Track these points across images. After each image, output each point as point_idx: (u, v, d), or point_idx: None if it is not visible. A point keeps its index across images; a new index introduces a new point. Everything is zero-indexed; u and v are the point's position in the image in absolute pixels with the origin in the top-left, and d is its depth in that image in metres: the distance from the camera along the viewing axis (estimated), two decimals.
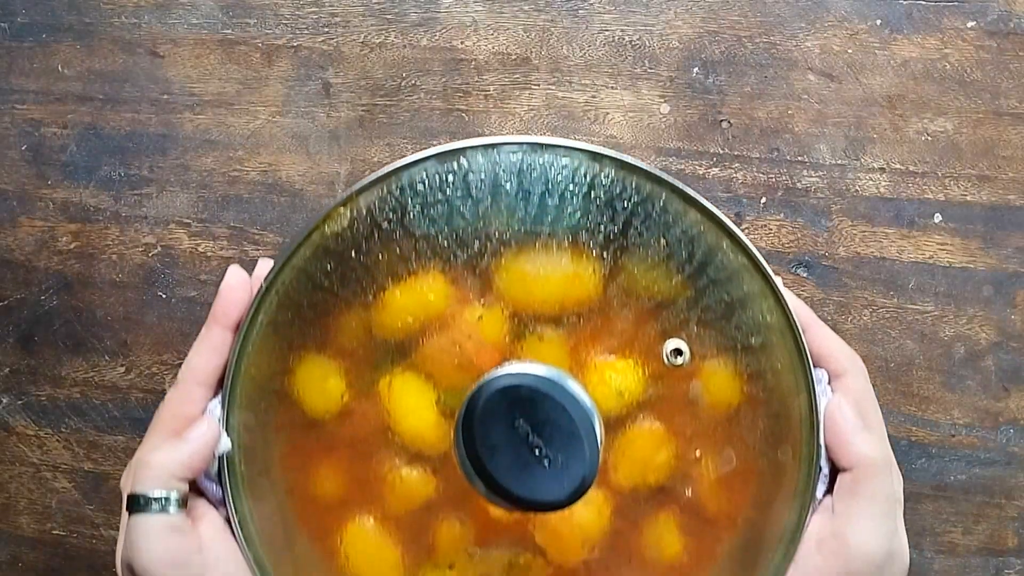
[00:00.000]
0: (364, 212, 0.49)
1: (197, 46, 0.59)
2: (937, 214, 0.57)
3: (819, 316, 0.55)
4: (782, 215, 0.57)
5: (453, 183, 0.50)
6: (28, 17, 0.60)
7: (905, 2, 0.56)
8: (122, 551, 0.41)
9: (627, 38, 0.57)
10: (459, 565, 0.50)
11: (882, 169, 0.57)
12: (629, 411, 0.49)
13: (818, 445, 0.45)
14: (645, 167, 0.47)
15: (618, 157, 0.47)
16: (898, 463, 0.54)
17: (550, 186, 0.50)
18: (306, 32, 0.59)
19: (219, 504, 0.46)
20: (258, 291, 0.47)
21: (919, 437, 0.58)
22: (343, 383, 0.50)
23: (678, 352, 0.49)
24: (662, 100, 0.57)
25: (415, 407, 0.50)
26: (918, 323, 0.57)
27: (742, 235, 0.46)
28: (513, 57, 0.58)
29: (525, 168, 0.50)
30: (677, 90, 0.57)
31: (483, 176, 0.50)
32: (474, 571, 0.50)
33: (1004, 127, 0.56)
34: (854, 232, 0.57)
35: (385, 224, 0.49)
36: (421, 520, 0.50)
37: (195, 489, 0.44)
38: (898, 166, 0.57)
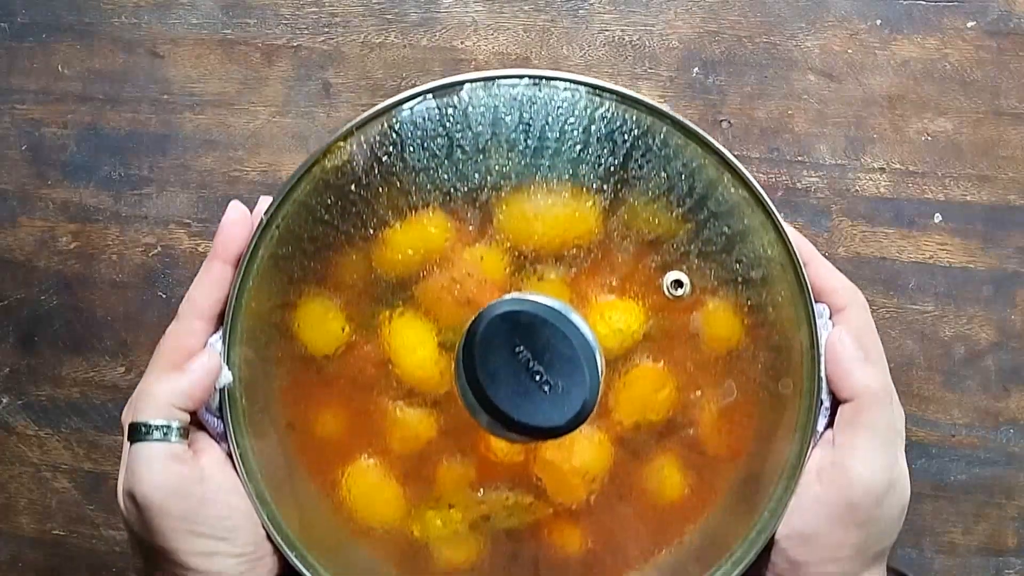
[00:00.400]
0: (364, 146, 0.49)
1: (197, 46, 0.59)
2: (937, 214, 0.57)
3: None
4: (782, 215, 0.55)
5: (452, 117, 0.50)
6: (28, 17, 0.60)
7: (905, 2, 0.56)
8: (123, 481, 0.41)
9: (627, 38, 0.57)
10: (459, 505, 0.50)
11: (882, 169, 0.57)
12: (629, 349, 0.49)
13: (819, 378, 0.46)
14: (646, 100, 0.47)
15: (618, 90, 0.47)
16: None
17: (550, 120, 0.50)
18: (306, 32, 0.59)
19: (220, 439, 0.45)
20: (259, 224, 0.47)
21: (919, 437, 0.58)
22: (344, 319, 0.50)
23: (678, 283, 0.49)
24: (662, 100, 0.57)
25: (416, 344, 0.50)
26: (918, 323, 0.58)
27: (743, 168, 0.46)
28: (513, 57, 0.59)
29: (525, 102, 0.51)
30: (677, 90, 0.57)
31: (483, 111, 0.51)
32: (474, 511, 0.50)
33: (1004, 127, 0.56)
34: (854, 232, 0.57)
35: (385, 159, 0.50)
36: (421, 459, 0.50)
37: (196, 424, 0.44)
38: (898, 166, 0.57)
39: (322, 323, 0.50)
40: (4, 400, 0.62)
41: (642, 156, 0.49)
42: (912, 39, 0.56)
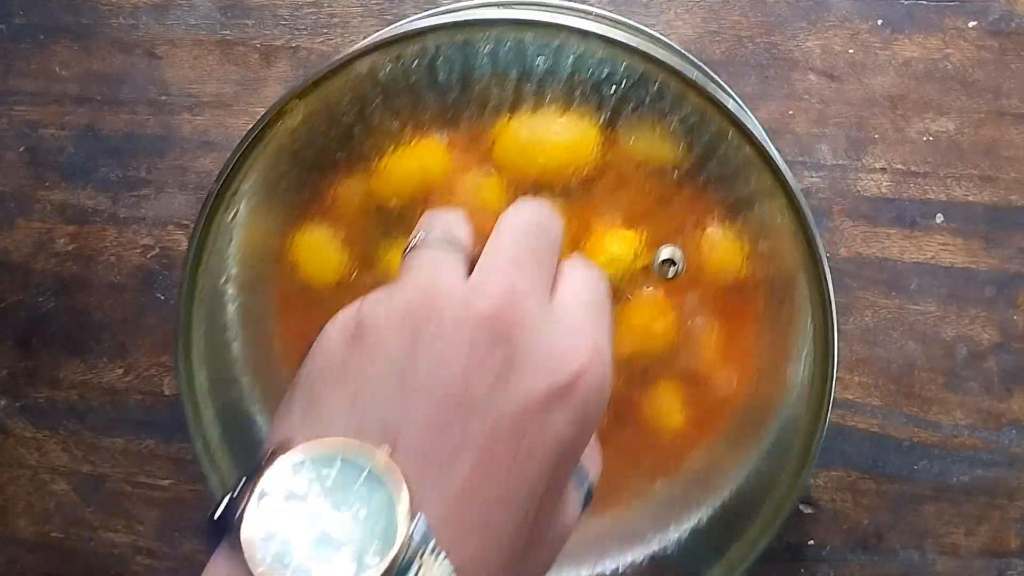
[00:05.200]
0: (364, 73, 0.50)
1: (195, 47, 0.60)
2: (939, 214, 0.58)
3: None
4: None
5: (453, 50, 0.52)
6: (25, 18, 0.61)
7: (906, 2, 0.58)
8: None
9: None
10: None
11: (884, 169, 0.58)
12: (629, 278, 0.51)
13: (829, 302, 0.47)
14: (649, 46, 0.48)
15: (617, 39, 0.48)
16: (900, 464, 0.59)
17: (550, 54, 0.51)
18: (305, 33, 0.60)
19: None
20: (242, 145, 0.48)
21: (921, 438, 0.59)
22: (342, 250, 0.53)
23: (670, 263, 0.50)
24: None
25: None
26: (920, 324, 0.59)
27: (740, 102, 0.48)
28: None
29: (527, 40, 0.51)
30: None
31: (485, 46, 0.51)
32: None
33: (1006, 127, 0.57)
34: (855, 233, 0.58)
35: (384, 88, 0.51)
36: None
37: None
38: (900, 166, 0.58)
39: (322, 254, 0.52)
40: (2, 402, 0.64)
41: (640, 90, 0.50)
42: (913, 39, 0.57)
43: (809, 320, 0.49)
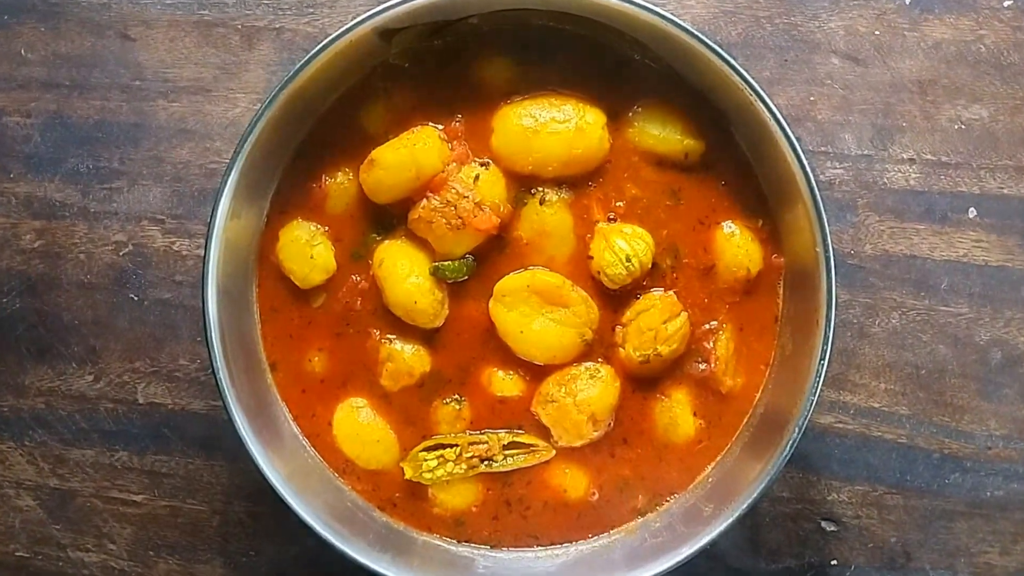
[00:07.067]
0: (353, 55, 0.49)
1: (171, 28, 0.58)
2: (972, 208, 0.56)
3: (844, 319, 0.56)
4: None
5: (449, 32, 0.51)
6: None
7: None
8: None
9: None
10: (454, 445, 0.51)
11: (912, 160, 0.56)
12: (638, 276, 0.50)
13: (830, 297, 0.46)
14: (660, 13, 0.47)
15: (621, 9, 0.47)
16: (930, 478, 0.56)
17: (553, 34, 0.51)
18: (289, 13, 0.58)
19: None
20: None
21: (952, 450, 0.57)
22: (331, 247, 0.51)
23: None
24: None
25: (407, 273, 0.50)
26: (951, 326, 0.56)
27: (757, 86, 0.46)
28: None
29: (530, 20, 0.51)
30: None
31: (484, 25, 0.50)
32: (471, 452, 0.51)
33: None
34: (882, 228, 0.56)
35: (374, 71, 0.51)
36: (414, 396, 0.51)
37: None
38: (929, 156, 0.56)
39: (307, 252, 0.51)
40: None
41: (650, 71, 0.49)
42: (944, 20, 0.55)
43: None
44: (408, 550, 0.51)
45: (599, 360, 0.51)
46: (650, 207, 0.51)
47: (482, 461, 0.52)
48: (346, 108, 0.51)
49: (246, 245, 0.51)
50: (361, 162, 0.50)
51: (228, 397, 0.49)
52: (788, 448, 0.47)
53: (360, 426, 0.52)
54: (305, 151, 0.52)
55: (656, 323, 0.50)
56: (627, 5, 0.47)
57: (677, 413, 0.51)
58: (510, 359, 0.51)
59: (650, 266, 0.50)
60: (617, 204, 0.51)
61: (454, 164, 0.50)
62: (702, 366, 0.51)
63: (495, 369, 0.52)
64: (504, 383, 0.51)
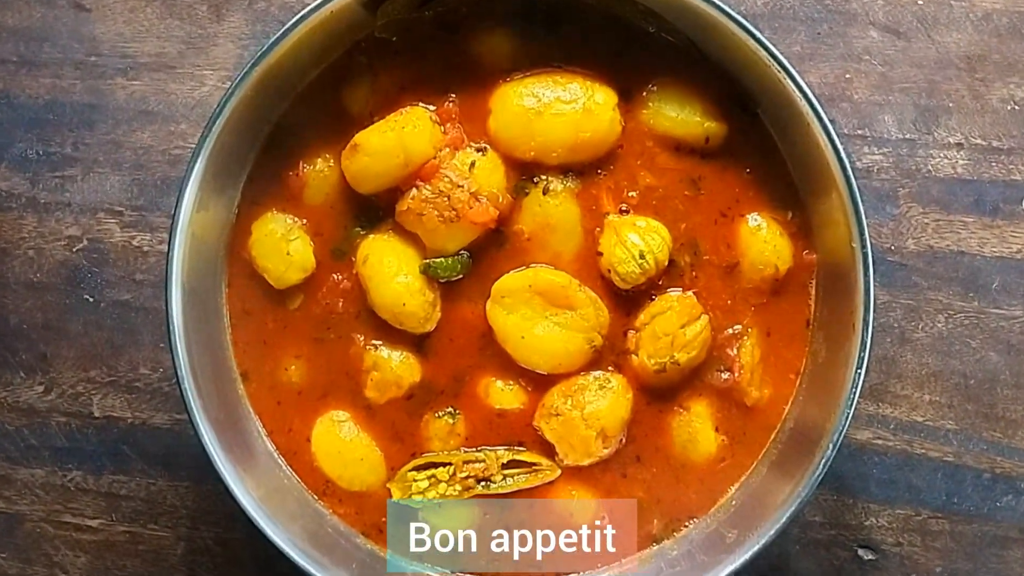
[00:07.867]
0: (334, 26, 0.48)
1: None
2: None
3: (883, 323, 0.54)
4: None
5: (440, 2, 0.49)
6: None
7: None
8: None
9: None
10: (447, 464, 0.50)
11: (959, 145, 0.54)
12: (653, 275, 0.49)
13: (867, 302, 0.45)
14: None
15: None
16: (979, 501, 0.55)
17: (558, 4, 0.49)
18: None
19: None
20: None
21: (1005, 469, 0.54)
22: (309, 245, 0.50)
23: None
24: None
25: (395, 271, 0.49)
26: (1003, 331, 0.54)
27: (788, 64, 0.45)
28: None
29: None
30: None
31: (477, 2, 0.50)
32: (465, 472, 0.50)
33: None
34: (926, 221, 0.54)
35: (358, 46, 0.49)
36: (402, 410, 0.50)
37: None
38: (979, 141, 0.54)
39: (283, 247, 0.50)
40: None
41: (667, 45, 0.48)
42: None
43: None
44: None
45: (609, 369, 0.50)
46: (666, 198, 0.49)
47: (478, 482, 0.50)
48: (326, 87, 0.50)
49: (214, 240, 0.50)
50: (343, 147, 0.49)
51: (194, 410, 0.47)
52: (821, 467, 0.47)
53: (342, 443, 0.52)
54: (280, 135, 0.50)
55: (673, 327, 0.49)
56: None
57: (697, 428, 0.50)
58: (510, 368, 0.51)
59: (666, 264, 0.48)
60: (630, 194, 0.49)
61: (447, 149, 0.48)
62: (725, 375, 0.50)
63: (493, 379, 0.51)
64: (503, 394, 0.50)
